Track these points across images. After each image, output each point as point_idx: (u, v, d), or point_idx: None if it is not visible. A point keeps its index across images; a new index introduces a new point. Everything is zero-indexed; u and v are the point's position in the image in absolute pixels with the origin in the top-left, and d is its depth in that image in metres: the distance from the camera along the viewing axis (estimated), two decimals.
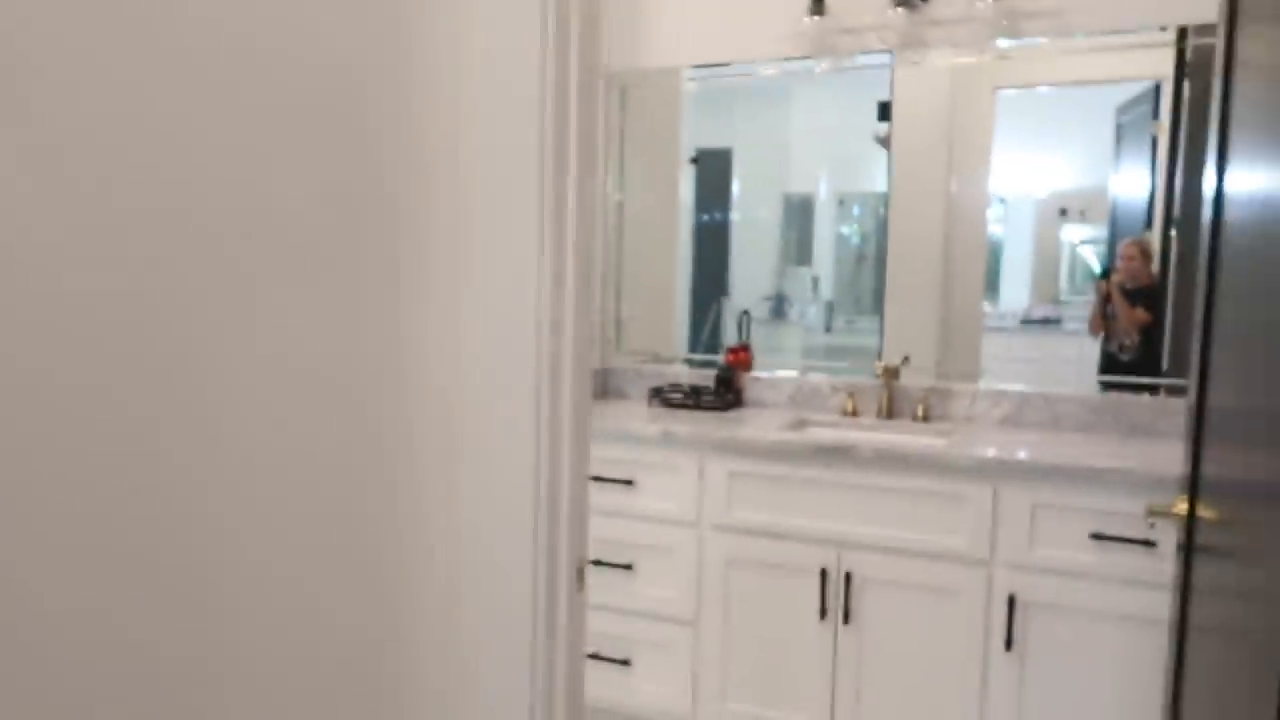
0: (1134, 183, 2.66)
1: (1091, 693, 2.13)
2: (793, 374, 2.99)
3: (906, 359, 2.81)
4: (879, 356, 2.85)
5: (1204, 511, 1.53)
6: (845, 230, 3.11)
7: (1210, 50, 2.35)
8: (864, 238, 3.06)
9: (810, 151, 3.15)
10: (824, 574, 2.35)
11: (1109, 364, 2.70)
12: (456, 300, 1.21)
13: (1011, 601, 2.17)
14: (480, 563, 1.25)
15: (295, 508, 1.02)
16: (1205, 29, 2.43)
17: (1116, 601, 2.09)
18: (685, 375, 3.09)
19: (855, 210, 3.10)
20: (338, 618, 1.09)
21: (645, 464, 2.55)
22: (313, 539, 1.05)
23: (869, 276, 3.00)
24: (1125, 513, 2.06)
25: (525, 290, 1.20)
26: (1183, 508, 1.63)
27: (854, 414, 2.79)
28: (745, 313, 3.26)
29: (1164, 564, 2.03)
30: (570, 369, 1.24)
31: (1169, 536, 2.03)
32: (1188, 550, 1.60)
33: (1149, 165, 2.60)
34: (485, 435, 1.23)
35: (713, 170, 3.20)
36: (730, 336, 3.16)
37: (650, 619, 2.58)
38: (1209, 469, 1.50)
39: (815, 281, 3.13)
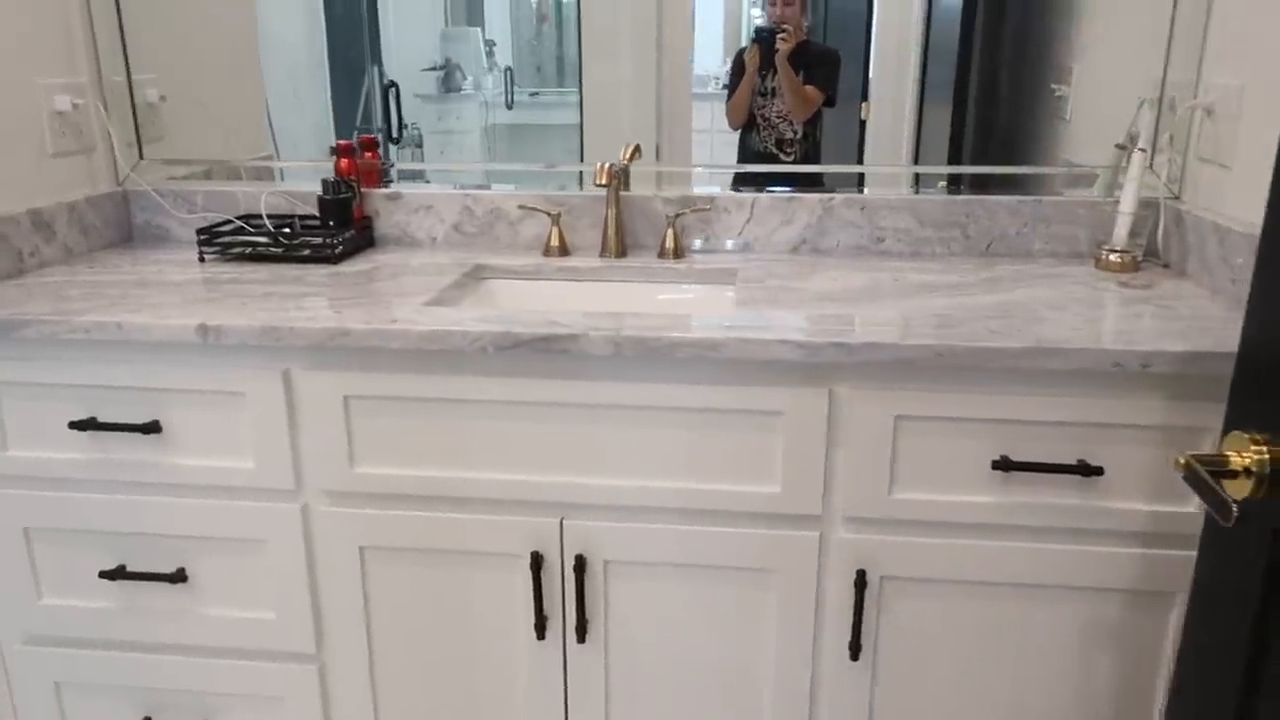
0: None
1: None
2: (457, 192, 1.80)
3: (638, 150, 1.72)
4: (581, 140, 1.78)
5: None
6: None
7: None
8: None
9: None
10: (538, 561, 1.31)
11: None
12: None
13: (861, 581, 1.26)
14: None
15: None
16: None
17: (1036, 566, 1.23)
18: (277, 201, 1.78)
19: None
20: None
21: (180, 391, 1.31)
22: None
23: (551, 39, 2.19)
24: (1047, 421, 1.17)
25: None
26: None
27: (562, 250, 1.68)
28: (391, 85, 2.18)
29: (1113, 502, 1.19)
30: None
31: (1122, 459, 1.18)
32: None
33: None
34: None
35: None
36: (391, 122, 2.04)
37: (236, 658, 1.44)
38: None
39: (490, 46, 2.39)
